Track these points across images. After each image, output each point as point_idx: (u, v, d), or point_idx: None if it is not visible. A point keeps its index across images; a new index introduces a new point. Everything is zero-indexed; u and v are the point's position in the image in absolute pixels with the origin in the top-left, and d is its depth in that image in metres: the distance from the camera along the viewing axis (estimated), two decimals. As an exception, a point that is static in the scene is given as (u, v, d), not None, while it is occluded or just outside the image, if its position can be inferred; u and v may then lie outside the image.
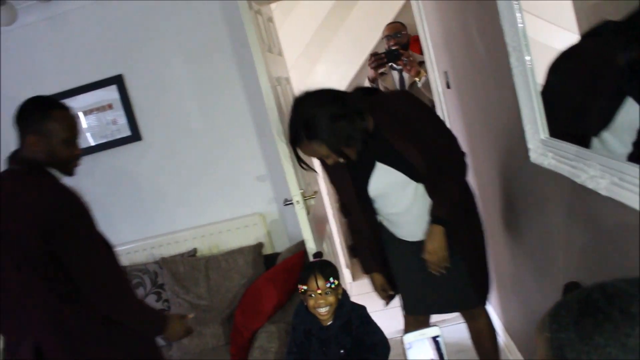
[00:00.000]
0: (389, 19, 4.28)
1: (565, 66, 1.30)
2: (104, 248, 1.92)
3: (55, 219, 1.78)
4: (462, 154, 2.14)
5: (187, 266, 3.21)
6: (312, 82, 4.68)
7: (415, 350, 1.07)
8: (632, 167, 0.97)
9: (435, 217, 2.08)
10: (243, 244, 3.39)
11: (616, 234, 1.20)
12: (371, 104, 2.09)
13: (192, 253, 3.40)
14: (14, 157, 1.94)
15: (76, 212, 1.84)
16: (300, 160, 2.18)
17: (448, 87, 2.97)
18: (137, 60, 3.38)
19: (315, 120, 1.96)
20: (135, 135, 3.45)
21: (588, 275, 1.46)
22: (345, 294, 2.10)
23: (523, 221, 2.04)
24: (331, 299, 1.98)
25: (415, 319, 2.34)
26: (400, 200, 2.14)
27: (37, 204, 1.80)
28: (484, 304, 2.31)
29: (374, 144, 2.07)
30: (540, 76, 1.39)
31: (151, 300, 3.24)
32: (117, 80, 3.39)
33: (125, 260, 3.49)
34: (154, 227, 3.54)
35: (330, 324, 2.04)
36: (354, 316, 2.05)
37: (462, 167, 2.14)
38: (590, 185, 1.14)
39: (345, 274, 4.44)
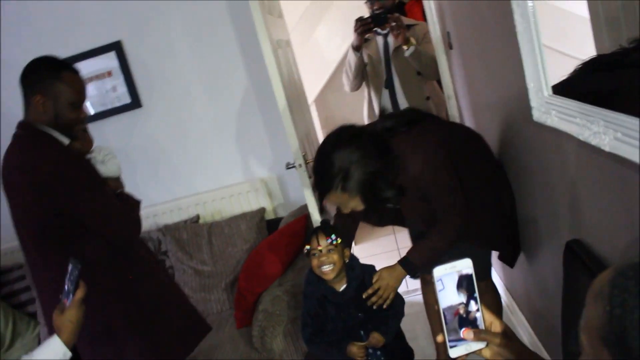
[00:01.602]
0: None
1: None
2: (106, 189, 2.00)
3: (58, 183, 1.82)
4: (460, 221, 1.98)
5: (190, 233, 3.22)
6: (314, 45, 4.65)
7: (444, 284, 1.01)
8: (637, 121, 0.95)
9: (406, 261, 2.03)
10: (245, 210, 3.40)
11: (620, 191, 1.19)
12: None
13: (195, 219, 3.41)
14: (21, 123, 1.96)
15: (77, 170, 1.89)
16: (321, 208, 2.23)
17: (450, 47, 2.93)
18: (135, 26, 3.33)
19: (355, 174, 1.81)
20: (135, 103, 3.43)
21: (592, 233, 1.46)
22: (353, 257, 2.10)
23: (527, 180, 2.04)
24: (334, 256, 1.99)
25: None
26: None
27: (38, 171, 1.83)
28: (487, 277, 2.28)
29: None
30: (544, 35, 1.37)
31: (156, 267, 3.26)
32: (116, 47, 3.35)
33: (128, 227, 3.51)
34: (156, 195, 3.54)
35: (344, 288, 2.04)
36: (367, 277, 2.05)
37: (454, 232, 1.99)
38: (594, 141, 1.13)
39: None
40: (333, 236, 2.00)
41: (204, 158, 3.49)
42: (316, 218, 2.62)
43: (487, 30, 2.07)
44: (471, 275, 1.02)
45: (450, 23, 2.83)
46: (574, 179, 1.48)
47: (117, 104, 3.44)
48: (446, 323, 1.01)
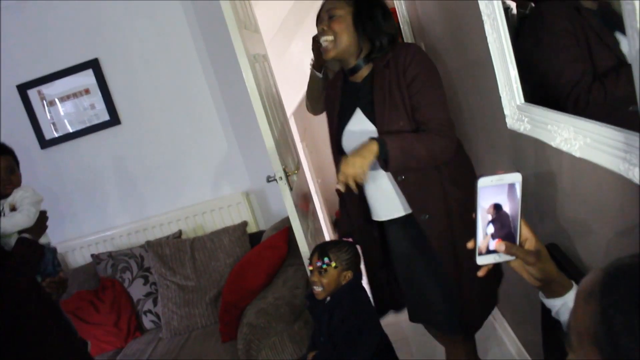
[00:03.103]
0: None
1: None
2: None
3: None
4: (449, 144, 1.80)
5: (173, 248, 3.21)
6: (291, 58, 4.69)
7: (486, 194, 0.97)
8: (605, 128, 0.99)
9: (379, 139, 1.74)
10: (227, 224, 3.40)
11: (591, 196, 1.23)
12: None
13: (177, 235, 3.40)
14: None
15: None
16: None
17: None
18: (112, 44, 3.34)
19: None
20: (114, 120, 3.42)
21: (567, 237, 1.49)
22: (352, 281, 1.97)
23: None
24: (324, 280, 1.93)
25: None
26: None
27: None
28: (467, 334, 2.03)
29: (362, 89, 1.91)
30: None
31: (138, 284, 3.25)
32: (93, 64, 3.35)
33: (110, 245, 3.50)
34: (138, 211, 3.53)
35: (321, 300, 1.99)
36: (337, 312, 1.94)
37: (442, 146, 1.79)
38: (565, 147, 1.16)
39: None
40: (325, 259, 1.93)
41: (185, 173, 3.49)
42: (295, 222, 2.61)
43: (460, 40, 2.11)
44: (518, 186, 0.98)
45: (423, 33, 2.88)
46: (548, 184, 1.52)
47: (96, 121, 3.43)
48: (479, 230, 0.98)
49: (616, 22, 1.02)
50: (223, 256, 3.15)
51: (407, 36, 3.25)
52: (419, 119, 1.79)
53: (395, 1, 3.24)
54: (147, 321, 3.24)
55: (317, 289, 1.95)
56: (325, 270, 1.93)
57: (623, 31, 0.96)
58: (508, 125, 1.53)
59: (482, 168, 2.29)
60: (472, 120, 2.29)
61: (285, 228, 3.01)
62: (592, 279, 0.71)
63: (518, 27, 1.39)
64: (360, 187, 1.93)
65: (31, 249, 2.06)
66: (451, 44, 2.29)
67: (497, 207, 0.98)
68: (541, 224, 1.69)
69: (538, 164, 1.55)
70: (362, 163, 1.71)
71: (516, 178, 0.97)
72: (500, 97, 1.54)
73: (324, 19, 1.87)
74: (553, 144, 1.22)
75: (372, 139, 1.74)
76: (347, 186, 1.76)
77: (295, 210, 2.58)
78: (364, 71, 1.90)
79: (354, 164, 1.70)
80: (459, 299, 1.90)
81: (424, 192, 1.85)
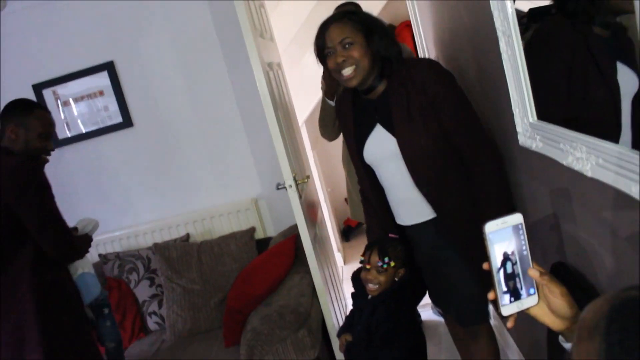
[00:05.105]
0: (382, 2, 4.26)
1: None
2: (56, 208, 2.23)
3: (16, 191, 2.11)
4: (490, 144, 1.90)
5: (180, 251, 3.23)
6: (304, 67, 4.70)
7: (495, 239, 1.00)
8: (618, 148, 0.99)
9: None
10: (235, 229, 3.41)
11: (601, 217, 1.23)
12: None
13: (185, 238, 3.42)
14: None
15: (30, 182, 2.14)
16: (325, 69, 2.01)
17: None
18: (128, 47, 3.37)
19: (363, 13, 1.94)
20: (126, 122, 3.45)
21: (574, 257, 1.49)
22: (405, 279, 1.99)
23: (514, 202, 2.07)
24: (382, 278, 1.95)
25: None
26: (392, 174, 1.98)
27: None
28: (486, 319, 2.12)
29: (379, 105, 1.93)
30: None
31: (144, 285, 3.26)
32: (108, 67, 3.38)
33: (118, 246, 3.51)
34: (147, 213, 3.55)
35: (367, 299, 2.01)
36: (380, 308, 1.95)
37: (494, 157, 1.87)
38: (577, 167, 1.16)
39: (337, 257, 4.48)
40: (386, 259, 1.94)
41: (195, 177, 3.50)
42: (303, 230, 2.62)
43: (474, 55, 2.12)
44: (521, 227, 1.02)
45: (437, 48, 2.88)
46: (558, 203, 1.52)
47: (109, 123, 3.46)
48: (497, 280, 1.01)
49: (623, 51, 1.03)
50: (230, 261, 3.16)
51: (424, 49, 3.27)
52: (457, 143, 1.86)
53: (410, 15, 3.26)
54: (151, 323, 3.25)
55: (373, 286, 1.96)
56: (385, 269, 1.94)
57: (625, 60, 0.97)
58: (520, 143, 1.53)
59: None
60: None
61: (292, 235, 3.02)
62: (597, 311, 0.68)
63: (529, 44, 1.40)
64: (383, 195, 2.08)
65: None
66: (465, 60, 2.30)
67: (505, 257, 1.01)
68: (549, 242, 1.69)
69: (549, 183, 1.55)
70: None
71: (518, 219, 1.02)
72: (513, 114, 1.54)
73: (337, 49, 1.85)
74: (565, 162, 1.22)
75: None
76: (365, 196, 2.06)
77: (304, 218, 2.59)
78: (379, 88, 1.93)
79: None
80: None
81: (448, 201, 1.92)
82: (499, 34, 1.48)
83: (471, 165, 1.87)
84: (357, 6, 2.99)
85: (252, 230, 3.33)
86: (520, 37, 1.40)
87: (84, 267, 2.70)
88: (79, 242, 2.41)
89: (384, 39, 1.86)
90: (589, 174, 1.11)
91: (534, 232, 1.85)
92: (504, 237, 1.01)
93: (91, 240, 2.55)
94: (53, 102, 3.43)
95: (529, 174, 1.74)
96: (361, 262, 2.01)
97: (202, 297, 3.10)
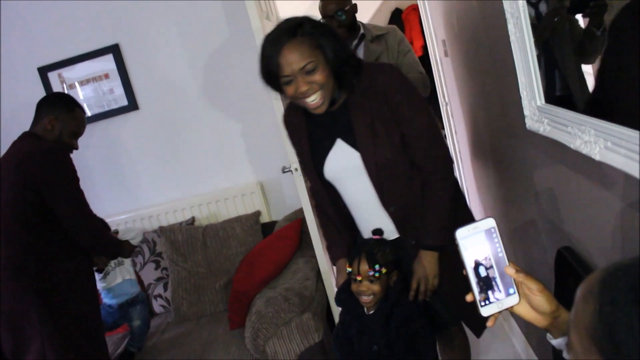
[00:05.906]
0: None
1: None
2: (83, 196, 2.35)
3: (43, 173, 2.20)
4: (446, 150, 1.83)
5: (185, 234, 3.23)
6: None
7: (468, 244, 1.01)
8: (627, 131, 0.98)
9: (425, 245, 1.81)
10: (241, 213, 3.41)
11: (609, 199, 1.22)
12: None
13: (190, 222, 3.42)
14: (25, 133, 2.40)
15: (61, 167, 2.26)
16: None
17: (446, 55, 2.97)
18: (133, 30, 3.35)
19: (316, 25, 1.65)
20: (132, 105, 3.44)
21: (582, 241, 1.48)
22: (397, 283, 1.84)
23: (520, 187, 2.06)
24: (374, 287, 1.76)
25: None
26: (355, 190, 1.86)
27: (27, 161, 2.21)
28: (458, 322, 2.07)
29: (339, 118, 1.78)
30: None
31: (150, 268, 3.28)
32: (114, 50, 3.37)
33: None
34: (152, 196, 3.56)
35: (371, 314, 1.83)
36: (396, 312, 1.80)
37: (448, 166, 1.83)
38: (585, 150, 1.15)
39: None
40: (377, 267, 1.75)
41: (200, 161, 3.50)
42: (308, 214, 2.61)
43: (482, 38, 2.10)
44: (494, 230, 1.02)
45: (445, 31, 2.86)
46: (566, 187, 1.51)
47: (114, 106, 3.45)
48: (473, 282, 1.01)
49: None
50: (235, 245, 3.17)
51: (431, 33, 3.24)
52: (415, 158, 1.79)
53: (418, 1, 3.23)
54: (156, 305, 3.27)
55: (367, 298, 1.78)
56: (378, 277, 1.76)
57: None
58: (527, 126, 1.52)
59: (501, 169, 2.29)
60: (491, 120, 2.27)
61: (298, 219, 3.02)
62: (592, 278, 0.70)
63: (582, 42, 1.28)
64: (346, 209, 1.97)
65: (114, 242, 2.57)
66: (473, 43, 2.28)
67: (477, 263, 1.02)
68: (556, 226, 1.68)
69: (556, 166, 1.54)
70: (433, 276, 1.83)
71: (490, 223, 1.02)
72: (520, 98, 1.53)
73: (297, 77, 1.62)
74: (572, 146, 1.21)
75: (424, 248, 1.82)
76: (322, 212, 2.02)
77: (309, 201, 2.59)
78: (339, 100, 1.78)
79: (427, 279, 1.83)
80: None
81: (412, 221, 1.84)
82: (508, 15, 1.47)
83: (424, 177, 1.81)
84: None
85: (258, 213, 3.33)
86: (529, 20, 1.38)
87: (124, 274, 2.94)
88: (114, 240, 2.58)
89: (336, 46, 1.66)
90: (597, 157, 1.10)
91: (541, 215, 1.85)
92: (476, 242, 1.02)
93: (133, 247, 2.73)
94: (58, 85, 3.42)
95: (537, 159, 1.73)
96: (348, 274, 1.82)
97: (207, 280, 3.11)
